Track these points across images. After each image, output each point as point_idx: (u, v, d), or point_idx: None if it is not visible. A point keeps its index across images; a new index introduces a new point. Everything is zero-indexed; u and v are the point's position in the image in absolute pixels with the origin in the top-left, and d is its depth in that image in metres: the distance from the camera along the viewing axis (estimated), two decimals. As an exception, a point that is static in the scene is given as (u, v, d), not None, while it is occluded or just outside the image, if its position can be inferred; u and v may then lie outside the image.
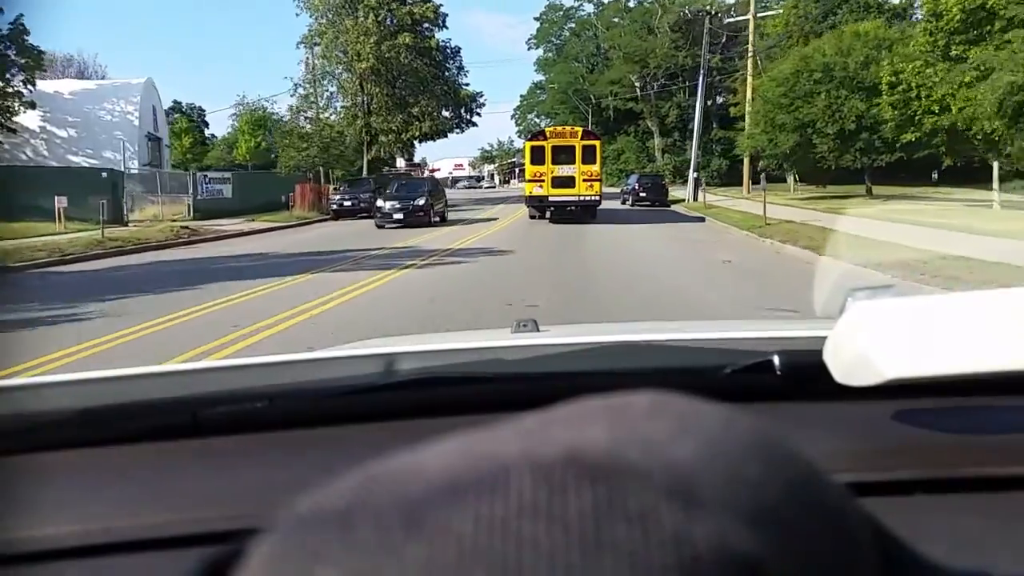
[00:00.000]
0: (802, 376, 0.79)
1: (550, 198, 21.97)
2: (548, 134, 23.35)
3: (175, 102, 65.27)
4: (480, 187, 78.71)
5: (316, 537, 0.25)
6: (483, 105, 42.19)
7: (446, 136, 41.57)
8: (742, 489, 0.27)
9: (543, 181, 22.51)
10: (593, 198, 21.47)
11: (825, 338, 0.68)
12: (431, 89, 36.31)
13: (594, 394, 0.31)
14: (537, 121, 76.99)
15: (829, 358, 0.68)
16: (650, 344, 1.04)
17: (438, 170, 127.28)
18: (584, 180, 23.06)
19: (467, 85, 41.50)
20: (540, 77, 71.28)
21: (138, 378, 0.92)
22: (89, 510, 0.65)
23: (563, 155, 22.85)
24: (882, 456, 0.72)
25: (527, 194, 21.87)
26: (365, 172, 35.88)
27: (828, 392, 0.70)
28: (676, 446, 0.28)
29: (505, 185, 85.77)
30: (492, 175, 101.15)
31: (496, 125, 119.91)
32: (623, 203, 30.10)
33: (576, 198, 21.97)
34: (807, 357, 0.76)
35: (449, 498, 0.25)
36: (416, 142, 42.08)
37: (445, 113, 40.33)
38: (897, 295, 0.67)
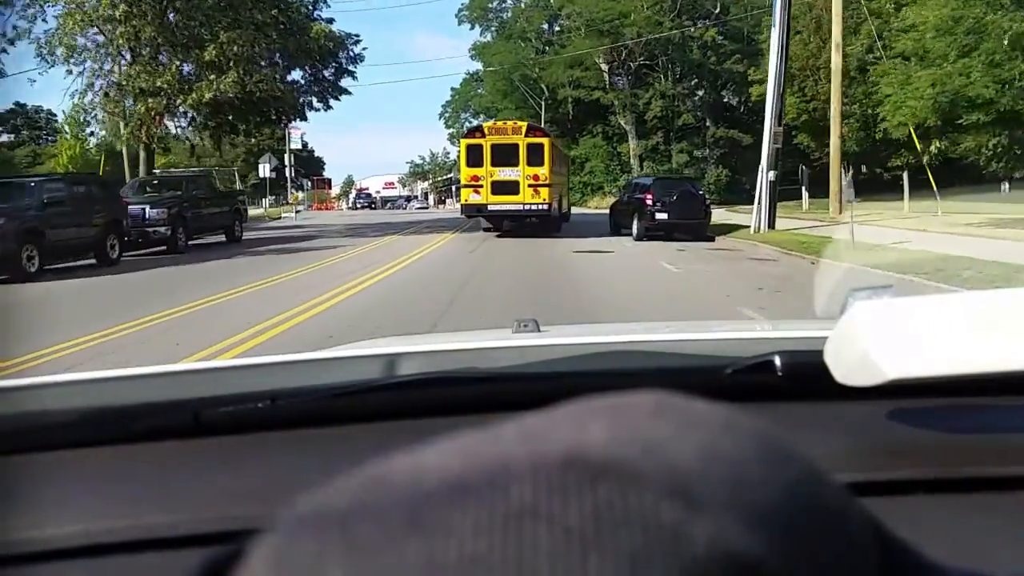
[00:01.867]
0: (803, 376, 0.86)
1: (489, 207, 19.33)
2: (487, 130, 20.20)
3: (17, 104, 51.04)
4: (405, 208, 69.07)
5: (318, 537, 0.27)
6: (360, 59, 18.51)
7: (298, 115, 17.37)
8: (743, 489, 0.28)
9: (481, 186, 19.48)
10: (541, 207, 18.84)
11: (826, 338, 0.72)
12: (245, 18, 20.93)
13: (595, 394, 0.32)
14: (472, 120, 55.08)
15: (830, 358, 0.72)
16: (651, 345, 1.12)
17: (366, 189, 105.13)
18: (529, 185, 19.08)
19: (331, 22, 18.24)
20: (477, 66, 47.91)
21: (140, 378, 1.01)
22: (91, 510, 0.70)
23: (505, 155, 19.37)
24: (882, 456, 0.77)
25: (463, 202, 19.84)
26: (129, 174, 21.87)
27: (829, 392, 0.74)
28: (677, 446, 0.29)
29: (440, 206, 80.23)
30: (426, 194, 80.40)
31: (429, 136, 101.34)
32: (618, 234, 18.96)
33: (520, 207, 19.07)
34: (808, 357, 0.81)
35: (450, 498, 0.27)
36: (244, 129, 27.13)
37: (294, 75, 18.20)
38: (898, 295, 0.72)
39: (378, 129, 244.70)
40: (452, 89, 63.17)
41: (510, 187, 18.66)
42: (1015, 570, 0.57)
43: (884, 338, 0.65)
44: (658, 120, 45.79)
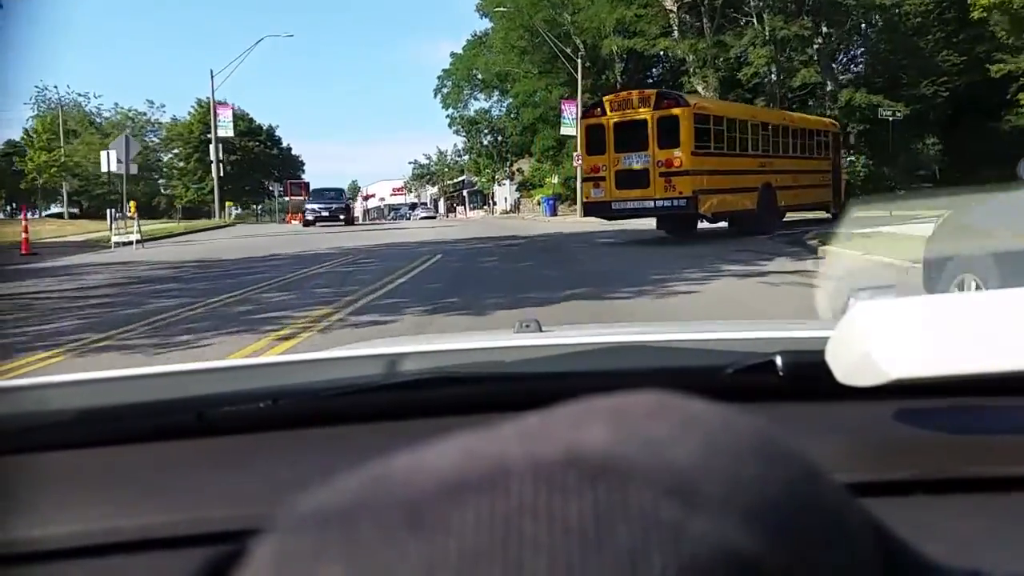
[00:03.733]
0: (804, 376, 0.92)
1: (614, 204, 16.15)
2: (608, 105, 16.70)
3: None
4: (409, 218, 53.67)
5: (319, 536, 0.29)
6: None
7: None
8: (742, 488, 0.30)
9: (603, 178, 16.18)
10: (678, 202, 15.41)
11: (827, 338, 0.79)
12: None
13: (596, 394, 0.35)
14: (478, 97, 36.87)
15: (831, 358, 0.78)
16: (652, 344, 1.20)
17: (372, 196, 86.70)
18: (662, 174, 15.30)
19: None
20: (486, 24, 26.28)
21: (142, 378, 1.09)
22: (91, 510, 0.77)
23: (630, 136, 15.74)
24: (883, 456, 0.83)
25: (584, 199, 18.10)
26: None
27: (830, 392, 0.82)
28: (676, 446, 0.31)
29: (451, 215, 41.75)
30: (435, 201, 61.16)
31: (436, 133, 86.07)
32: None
33: (650, 203, 15.60)
34: (809, 357, 0.89)
35: (450, 497, 0.29)
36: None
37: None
38: (899, 295, 0.79)
39: (388, 132, 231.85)
40: (452, 55, 46.80)
41: (638, 178, 15.61)
42: (1015, 570, 0.60)
43: (885, 338, 0.70)
44: (759, 79, 27.81)
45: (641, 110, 15.97)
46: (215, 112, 38.89)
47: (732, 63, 35.75)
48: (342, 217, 34.57)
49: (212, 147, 38.09)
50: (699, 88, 35.86)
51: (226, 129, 40.20)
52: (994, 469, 0.75)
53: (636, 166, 15.54)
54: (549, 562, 0.25)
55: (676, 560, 0.26)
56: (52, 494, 0.80)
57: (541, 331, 1.44)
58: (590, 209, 17.49)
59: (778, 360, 0.94)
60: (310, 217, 34.49)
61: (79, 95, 64.69)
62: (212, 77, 38.08)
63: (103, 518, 0.72)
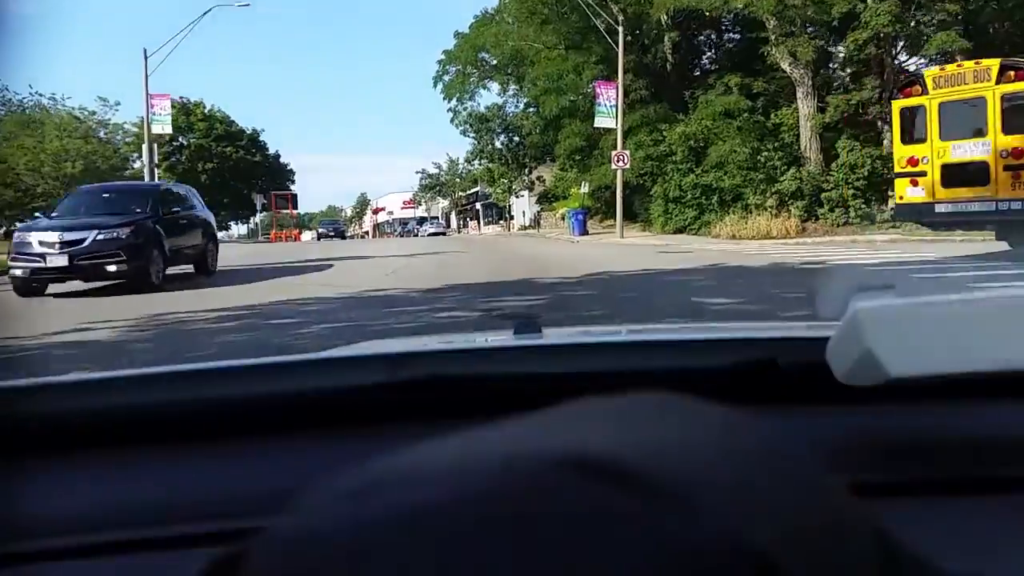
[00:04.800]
0: (804, 377, 0.95)
1: (937, 207, 13.46)
2: (931, 81, 13.91)
3: None
4: (417, 234, 54.03)
5: (319, 536, 0.30)
6: None
7: None
8: (744, 489, 0.31)
9: (923, 174, 13.47)
10: None
11: (827, 338, 0.79)
12: None
13: (596, 395, 0.36)
14: (488, 87, 26.60)
15: (831, 358, 0.78)
16: (652, 344, 1.27)
17: (382, 209, 75.94)
18: (1007, 168, 12.45)
19: None
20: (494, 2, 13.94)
21: (141, 379, 1.12)
22: (91, 510, 0.83)
23: (962, 119, 13.09)
24: (883, 456, 0.89)
25: (896, 199, 15.09)
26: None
27: (830, 393, 0.83)
28: (678, 447, 0.31)
29: (463, 230, 38.66)
30: (447, 216, 49.78)
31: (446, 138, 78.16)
32: None
33: (991, 205, 12.67)
34: (809, 358, 0.90)
35: (450, 499, 0.29)
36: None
37: None
38: (899, 295, 0.81)
39: (406, 143, 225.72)
40: (456, 34, 38.44)
41: (972, 172, 12.89)
42: (1015, 571, 0.63)
43: (886, 338, 0.71)
44: (875, 47, 18.50)
45: (978, 86, 13.01)
46: (148, 103, 29.82)
47: (830, 30, 27.23)
48: (115, 266, 12.78)
49: (144, 147, 29.13)
50: (784, 65, 27.50)
51: (163, 124, 31.36)
52: (994, 469, 0.79)
53: (970, 157, 12.59)
54: (550, 563, 0.26)
55: (678, 562, 0.27)
56: (53, 494, 0.83)
57: (540, 332, 1.47)
58: (904, 212, 14.88)
59: (778, 360, 0.96)
60: (16, 274, 12.73)
61: (41, 95, 57.74)
62: (146, 59, 29.63)
63: (102, 518, 0.75)
